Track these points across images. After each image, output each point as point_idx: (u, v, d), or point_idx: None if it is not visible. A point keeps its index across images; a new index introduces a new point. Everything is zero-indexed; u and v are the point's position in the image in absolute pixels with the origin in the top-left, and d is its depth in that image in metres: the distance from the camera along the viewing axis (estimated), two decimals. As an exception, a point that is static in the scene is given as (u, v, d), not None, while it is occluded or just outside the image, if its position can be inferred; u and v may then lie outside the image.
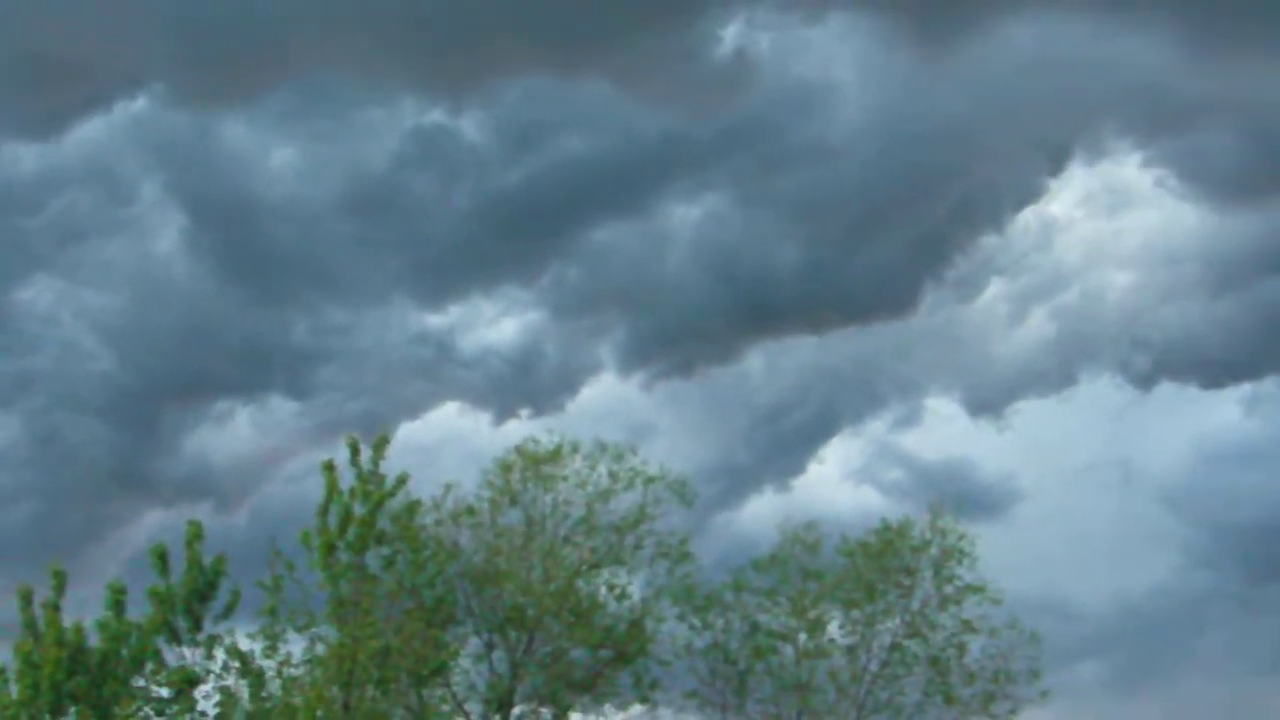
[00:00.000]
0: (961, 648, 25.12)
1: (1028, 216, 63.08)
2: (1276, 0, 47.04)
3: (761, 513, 25.95)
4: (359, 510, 22.87)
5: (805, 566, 25.82)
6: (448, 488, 25.67)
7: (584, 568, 25.76)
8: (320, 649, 22.18)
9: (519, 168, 49.34)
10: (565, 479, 26.16)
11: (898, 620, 25.53)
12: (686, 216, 52.10)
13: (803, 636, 25.59)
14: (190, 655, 21.21)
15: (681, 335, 51.26)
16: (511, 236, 49.88)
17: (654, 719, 26.10)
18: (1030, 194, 58.12)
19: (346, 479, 23.04)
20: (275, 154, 48.17)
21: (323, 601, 22.73)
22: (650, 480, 26.17)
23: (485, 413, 47.91)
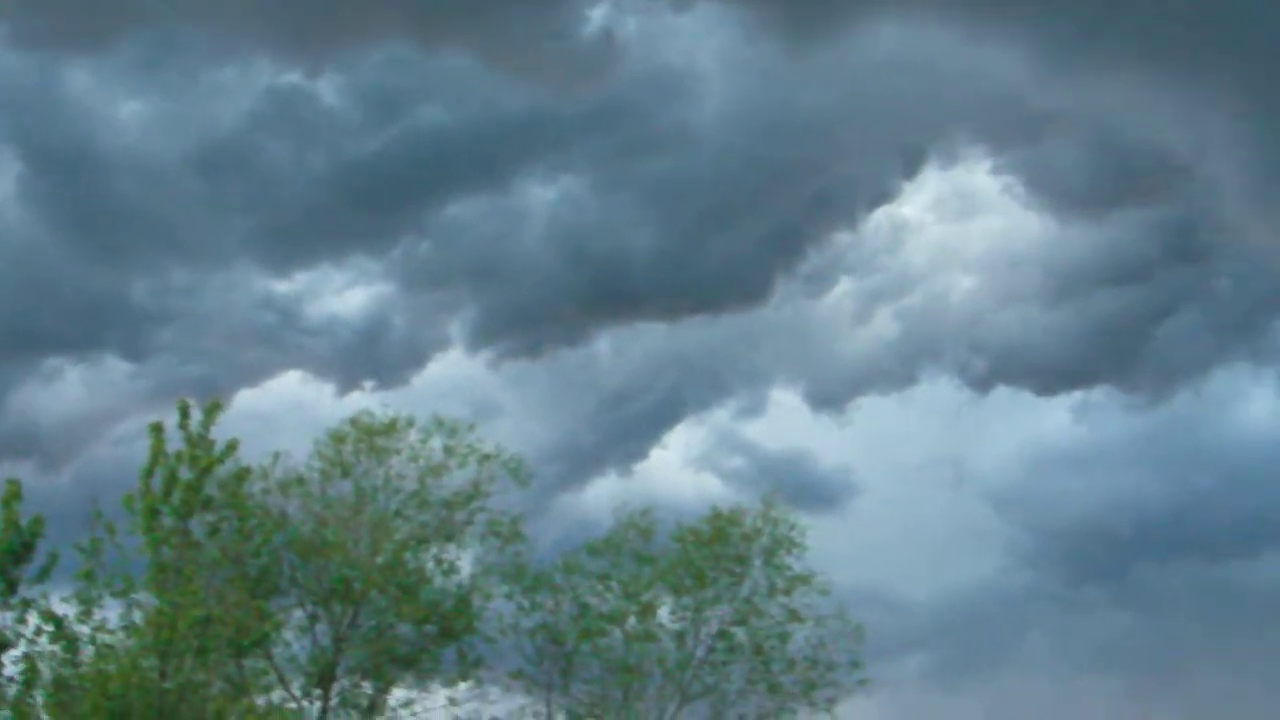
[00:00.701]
0: (786, 636, 25.42)
1: (880, 216, 64.29)
2: (1128, 19, 48.55)
3: (603, 496, 26.10)
4: (185, 475, 22.23)
5: (638, 551, 25.94)
6: (277, 456, 25.21)
7: (413, 542, 25.51)
8: (138, 616, 21.52)
9: (376, 136, 48.60)
10: (399, 453, 25.87)
11: (727, 607, 25.76)
12: (543, 196, 51.94)
13: (632, 620, 25.68)
14: (2, 619, 20.41)
15: (532, 316, 51.11)
16: (364, 206, 49.13)
17: (479, 697, 25.92)
18: (884, 194, 59.23)
19: (176, 443, 22.40)
20: (122, 105, 46.66)
21: (143, 567, 22.04)
22: (485, 457, 26.04)
23: (328, 383, 47.19)
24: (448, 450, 26.01)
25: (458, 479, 26.04)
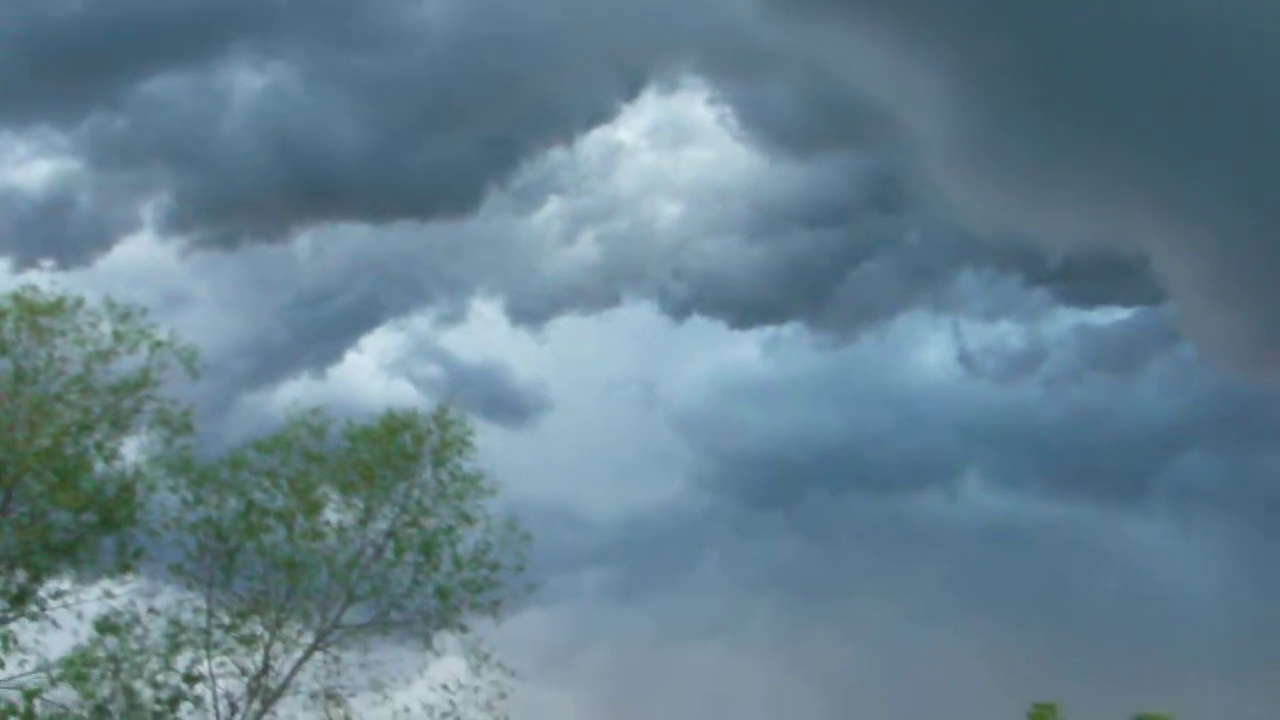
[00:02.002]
0: (455, 539, 25.69)
1: (596, 137, 64.85)
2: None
3: (295, 398, 25.63)
4: None
5: (309, 450, 25.67)
6: (-69, 332, 23.77)
7: (75, 428, 24.55)
8: None
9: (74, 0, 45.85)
10: (64, 334, 24.76)
11: (396, 508, 25.83)
12: (250, 82, 50.15)
13: (300, 518, 25.47)
14: None
15: (229, 205, 49.47)
16: (55, 73, 46.39)
17: (137, 591, 25.26)
18: (602, 115, 59.70)
19: None
20: None
21: None
22: (157, 345, 25.18)
23: (1, 258, 44.66)
24: (117, 335, 25.04)
25: (127, 365, 25.13)
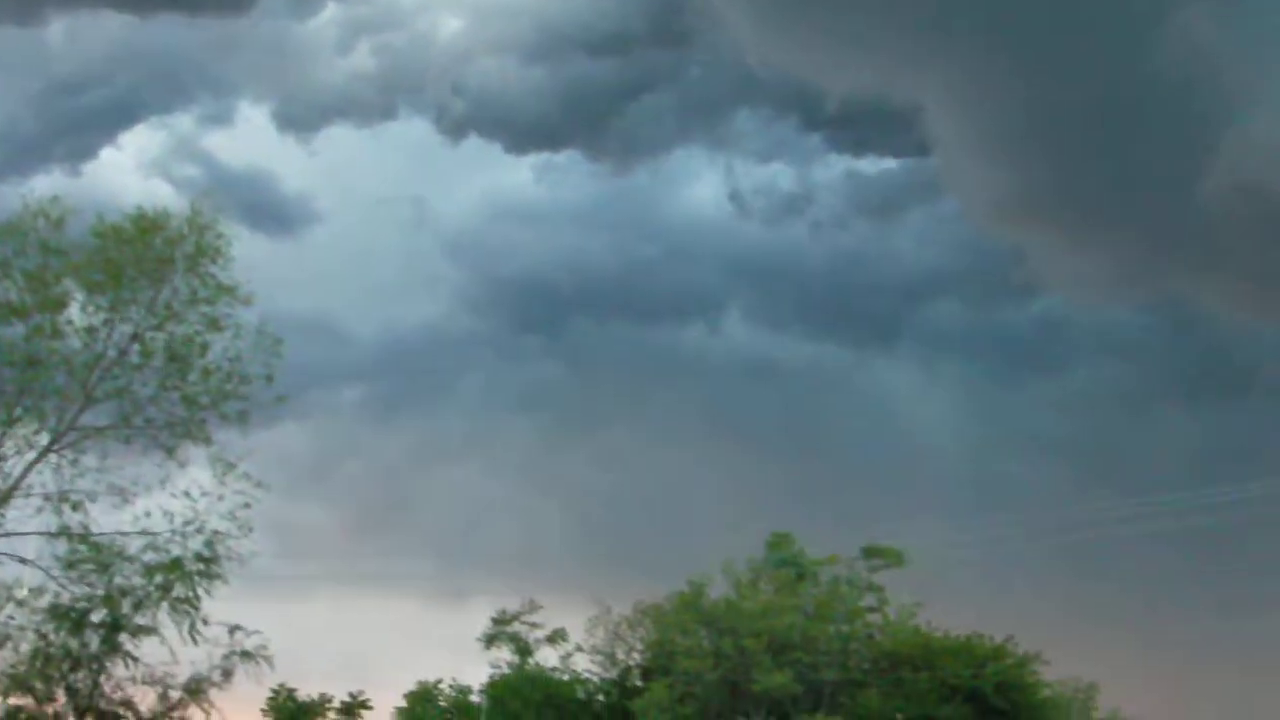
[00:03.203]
0: (204, 345, 24.84)
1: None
2: None
3: (47, 194, 23.88)
4: None
5: (47, 242, 24.23)
6: None
7: None
8: None
9: None
10: None
11: (144, 310, 24.75)
12: None
13: (37, 314, 24.18)
14: None
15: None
16: None
17: None
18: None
19: None
20: None
21: None
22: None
23: None
24: None
25: None
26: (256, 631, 25.66)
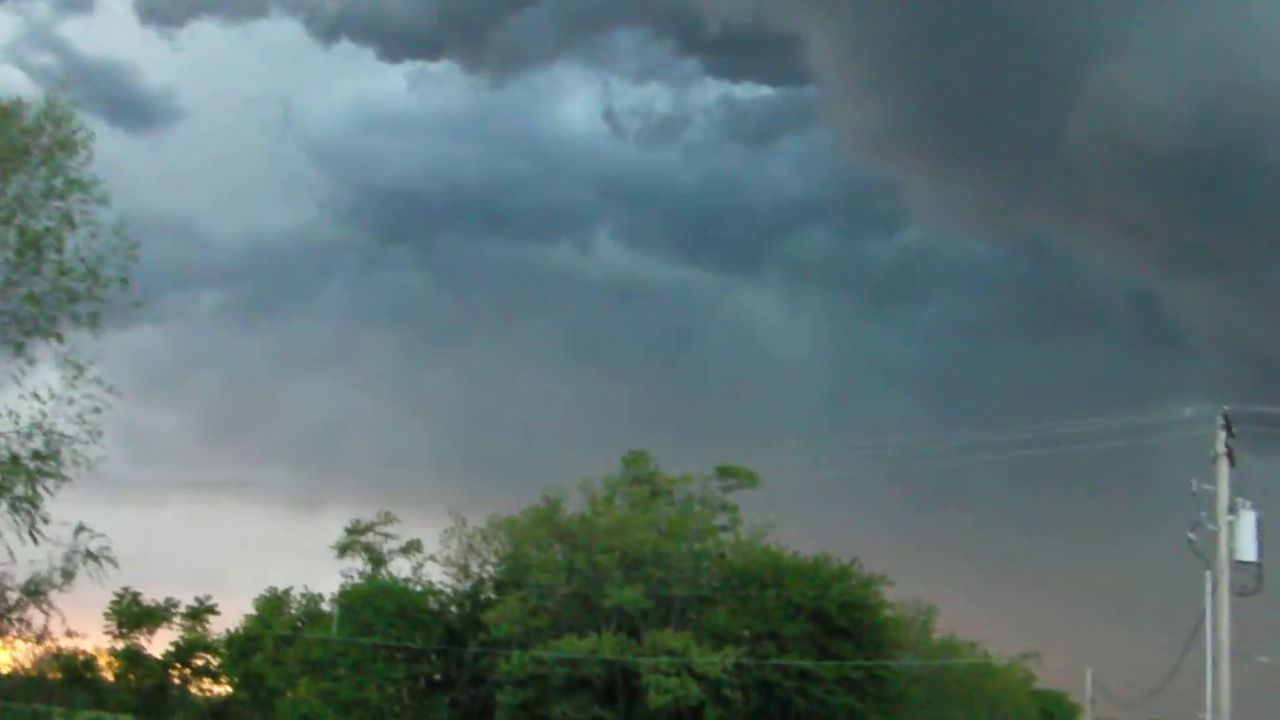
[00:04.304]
0: (58, 241, 24.00)
1: None
2: None
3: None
4: None
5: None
6: None
7: None
8: None
9: None
10: None
11: (-6, 202, 23.84)
12: None
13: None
14: None
15: None
16: None
17: None
18: None
19: None
20: None
21: None
22: None
23: None
24: None
25: None
26: (101, 534, 25.19)
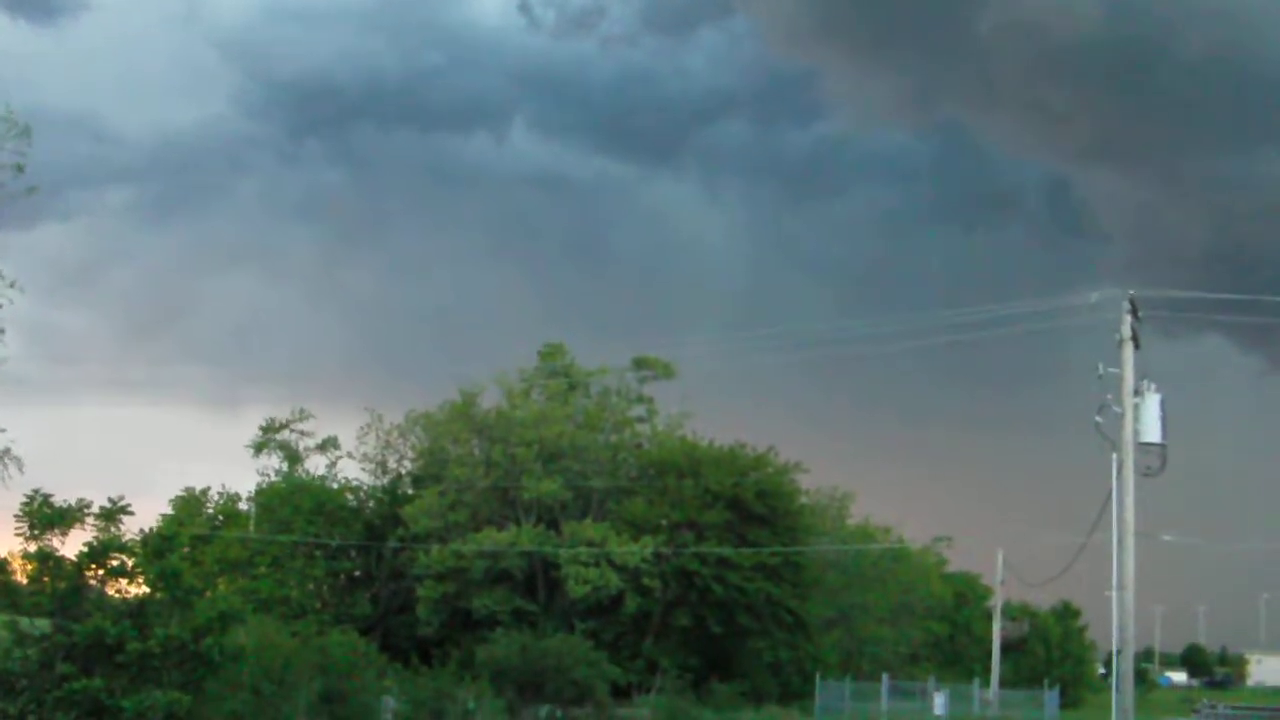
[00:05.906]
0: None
1: None
2: None
3: None
4: None
5: None
6: None
7: None
8: None
9: None
10: None
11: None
12: None
13: None
14: None
15: None
16: None
17: None
18: None
19: None
20: None
21: None
22: None
23: None
24: None
25: None
26: (3, 430, 24.67)
